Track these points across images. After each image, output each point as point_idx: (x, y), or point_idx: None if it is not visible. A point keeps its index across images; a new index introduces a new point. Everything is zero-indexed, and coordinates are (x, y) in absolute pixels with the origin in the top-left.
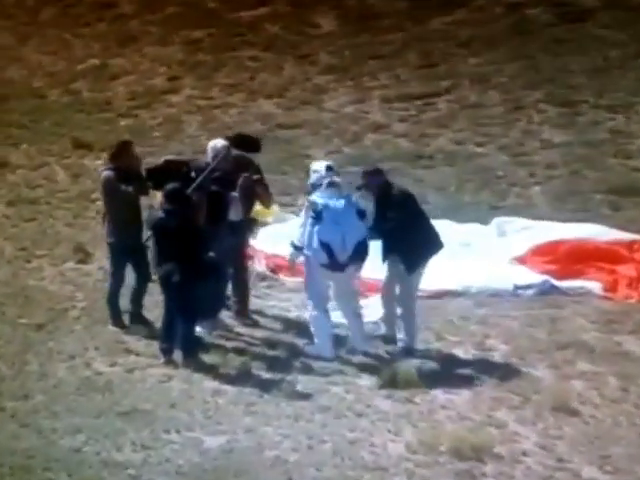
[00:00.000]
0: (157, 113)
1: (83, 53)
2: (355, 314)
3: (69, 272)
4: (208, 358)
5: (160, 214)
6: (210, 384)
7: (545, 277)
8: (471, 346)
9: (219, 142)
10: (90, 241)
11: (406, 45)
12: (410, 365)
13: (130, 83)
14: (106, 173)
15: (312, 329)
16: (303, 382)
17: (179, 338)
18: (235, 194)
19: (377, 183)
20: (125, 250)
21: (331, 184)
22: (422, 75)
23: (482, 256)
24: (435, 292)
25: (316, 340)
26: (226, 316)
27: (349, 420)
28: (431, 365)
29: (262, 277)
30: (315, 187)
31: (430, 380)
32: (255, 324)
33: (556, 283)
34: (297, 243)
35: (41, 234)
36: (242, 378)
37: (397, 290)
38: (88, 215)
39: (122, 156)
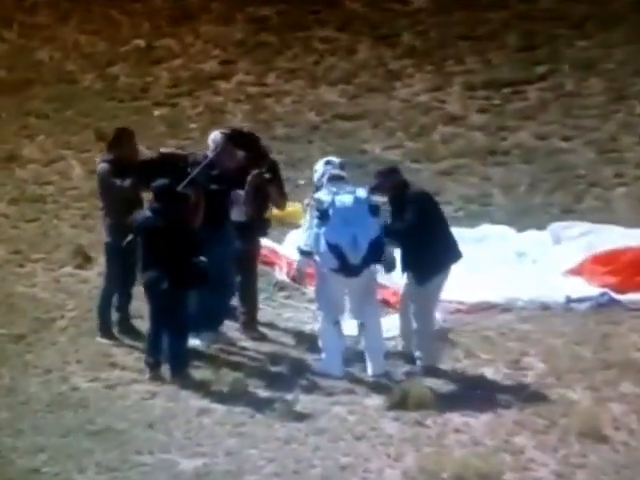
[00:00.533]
0: (199, 101)
1: (129, 33)
2: (373, 329)
3: (65, 278)
4: (199, 373)
5: (147, 213)
6: (198, 402)
7: (603, 289)
8: (504, 365)
9: (219, 134)
10: (93, 244)
11: (506, 25)
12: (424, 385)
13: (175, 68)
14: (102, 165)
15: (320, 343)
16: (304, 402)
17: (166, 352)
18: (240, 192)
19: (391, 183)
20: (121, 252)
21: (332, 178)
22: (517, 59)
23: (535, 266)
24: (476, 305)
25: (324, 356)
26: (232, 328)
27: (346, 443)
28: (451, 385)
29: (281, 286)
30: (319, 188)
31: (447, 401)
32: (263, 338)
33: (616, 296)
34: (304, 248)
35: (41, 236)
36: (235, 396)
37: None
38: (98, 215)
39: (121, 146)
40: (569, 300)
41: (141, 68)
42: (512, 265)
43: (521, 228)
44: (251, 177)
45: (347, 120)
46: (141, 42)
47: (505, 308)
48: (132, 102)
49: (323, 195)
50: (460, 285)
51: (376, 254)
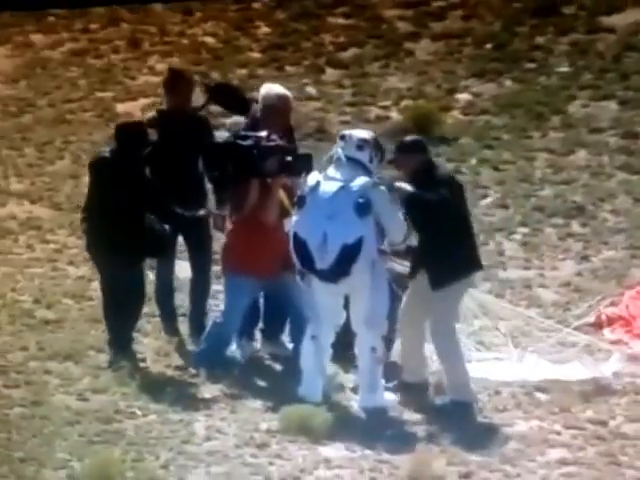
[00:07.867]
0: None
1: None
2: (368, 350)
3: None
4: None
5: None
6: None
7: None
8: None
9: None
10: None
11: None
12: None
13: None
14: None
15: (300, 362)
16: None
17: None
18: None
19: (413, 162)
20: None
21: (336, 160)
22: None
23: None
24: None
25: (303, 376)
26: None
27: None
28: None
29: None
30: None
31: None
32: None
33: None
34: None
35: None
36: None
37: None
38: None
39: (174, 93)
40: None
41: None
42: None
43: None
44: None
45: None
46: None
47: None
48: None
49: (311, 177)
50: None
51: (346, 263)
